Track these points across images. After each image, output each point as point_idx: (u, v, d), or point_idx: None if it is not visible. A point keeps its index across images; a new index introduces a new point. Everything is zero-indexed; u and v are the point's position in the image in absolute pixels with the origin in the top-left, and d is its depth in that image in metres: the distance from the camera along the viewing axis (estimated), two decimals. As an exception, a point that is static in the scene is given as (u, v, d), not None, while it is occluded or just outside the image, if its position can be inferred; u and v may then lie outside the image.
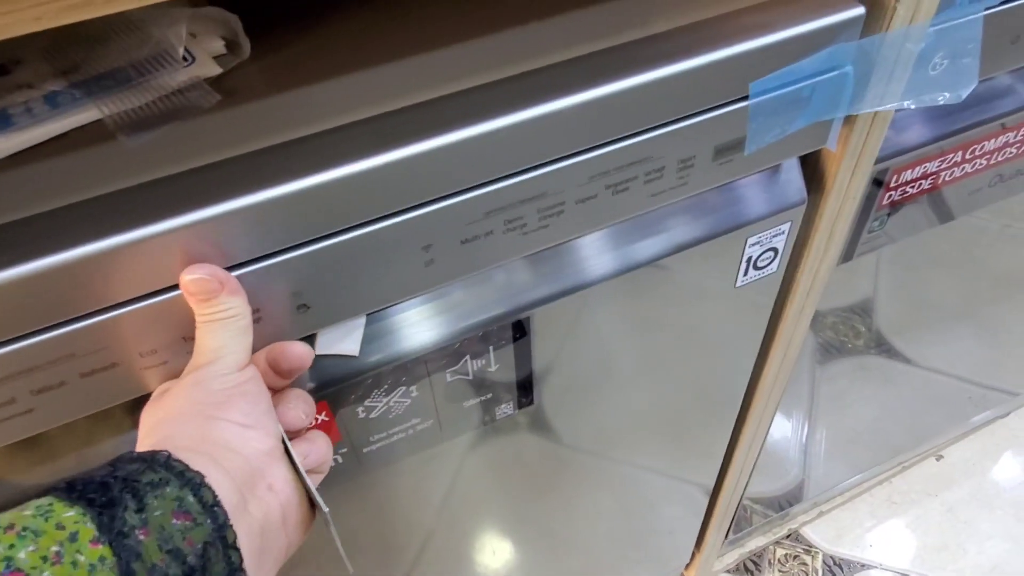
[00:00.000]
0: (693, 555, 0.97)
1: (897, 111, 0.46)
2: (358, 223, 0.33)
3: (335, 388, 0.39)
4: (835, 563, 1.07)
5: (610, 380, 0.53)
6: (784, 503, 1.03)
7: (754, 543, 1.05)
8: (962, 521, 1.10)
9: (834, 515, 1.11)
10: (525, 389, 0.47)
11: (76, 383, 0.31)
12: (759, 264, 0.50)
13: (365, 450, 0.44)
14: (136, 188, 0.30)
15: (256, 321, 0.33)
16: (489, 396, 0.46)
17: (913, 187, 0.54)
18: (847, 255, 0.57)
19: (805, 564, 1.07)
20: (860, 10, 0.38)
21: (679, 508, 0.81)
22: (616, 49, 0.36)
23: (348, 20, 0.39)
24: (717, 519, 0.88)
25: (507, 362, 0.44)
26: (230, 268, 0.31)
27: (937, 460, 1.17)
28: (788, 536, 1.09)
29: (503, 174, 0.35)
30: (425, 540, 0.59)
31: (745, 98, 0.38)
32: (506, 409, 0.48)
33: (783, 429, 0.89)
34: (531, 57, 0.35)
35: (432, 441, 0.47)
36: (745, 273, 0.50)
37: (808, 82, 0.39)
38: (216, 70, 0.37)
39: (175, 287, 0.31)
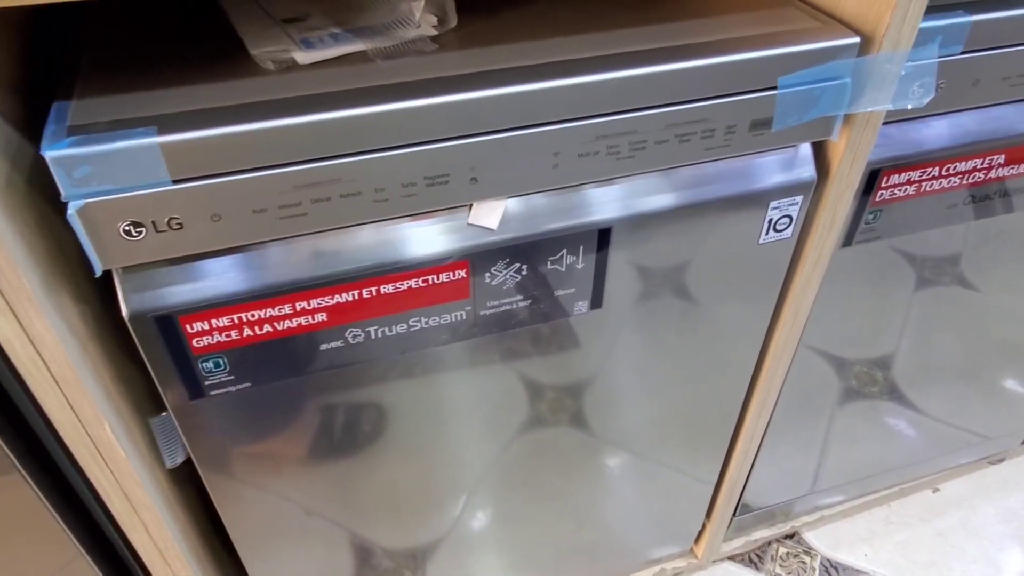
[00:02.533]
0: (701, 531, 1.11)
1: (892, 122, 0.65)
2: (516, 127, 0.53)
3: (476, 252, 0.58)
4: (831, 565, 1.19)
5: (644, 330, 0.70)
6: (789, 508, 1.17)
7: (759, 534, 1.18)
8: (950, 544, 1.21)
9: (834, 524, 1.24)
10: (598, 293, 0.65)
11: (336, 201, 0.51)
12: (778, 227, 0.68)
13: (482, 312, 0.62)
14: (373, 88, 0.50)
15: (443, 183, 0.52)
16: (573, 290, 0.64)
17: (900, 190, 0.72)
18: (847, 240, 0.75)
19: (804, 563, 1.19)
20: (856, 39, 0.57)
21: (688, 485, 0.96)
22: (690, 47, 0.56)
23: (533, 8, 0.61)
24: (723, 498, 1.03)
25: (590, 263, 0.63)
26: (435, 141, 0.51)
27: (933, 492, 1.30)
28: (790, 536, 1.22)
29: (609, 111, 0.54)
30: (467, 499, 0.76)
31: (776, 88, 0.57)
32: (581, 307, 0.66)
33: (796, 451, 1.04)
34: (636, 43, 0.56)
35: (523, 321, 0.65)
36: (767, 233, 0.68)
37: (819, 85, 0.58)
38: (432, 32, 0.57)
39: (411, 145, 0.50)
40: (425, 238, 0.57)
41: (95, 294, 0.60)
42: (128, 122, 0.46)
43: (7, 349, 0.49)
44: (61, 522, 0.60)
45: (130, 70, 0.53)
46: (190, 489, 0.78)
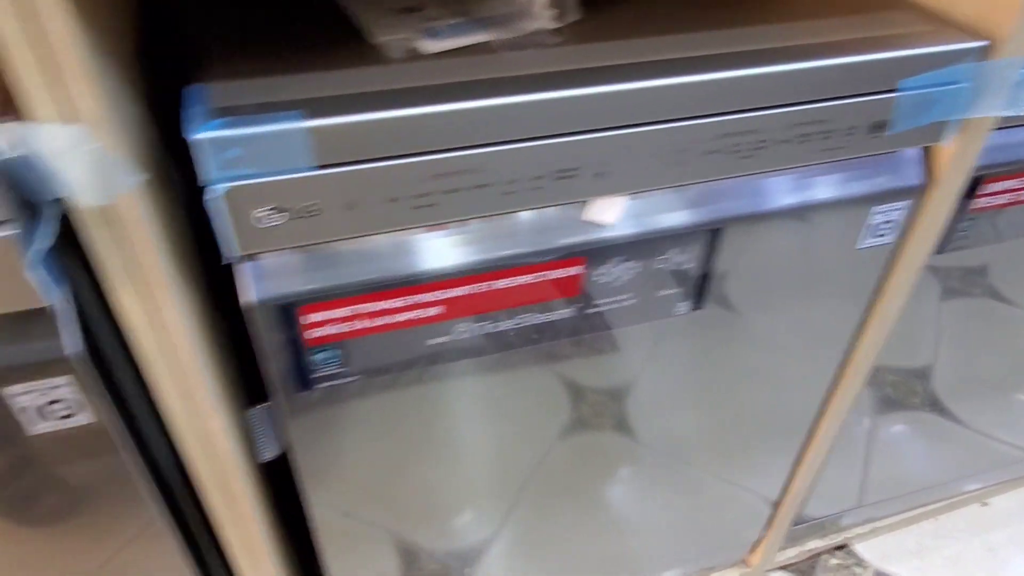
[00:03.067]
0: (757, 542, 1.10)
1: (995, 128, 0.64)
2: (648, 122, 0.52)
3: (591, 248, 0.57)
4: (882, 578, 1.18)
5: (744, 319, 0.70)
6: (838, 519, 1.16)
7: (811, 545, 1.17)
8: (1000, 559, 1.20)
9: (883, 537, 1.23)
10: (701, 294, 0.65)
11: (465, 192, 0.50)
12: (880, 232, 0.67)
13: (587, 311, 0.61)
14: (508, 79, 0.49)
15: (571, 177, 0.52)
16: (678, 291, 0.63)
17: (998, 198, 0.71)
18: (940, 247, 0.74)
19: (855, 574, 1.18)
20: (984, 43, 0.57)
21: (752, 496, 0.95)
22: (811, 47, 0.55)
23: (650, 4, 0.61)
24: (785, 510, 1.02)
25: (699, 263, 0.62)
26: (570, 134, 0.50)
27: (982, 506, 1.28)
28: (840, 547, 1.21)
29: (736, 109, 0.54)
30: (529, 499, 0.75)
31: (896, 91, 0.57)
32: (682, 308, 0.65)
33: (842, 463, 1.04)
34: (758, 42, 0.55)
35: (624, 321, 0.64)
36: (868, 237, 0.67)
37: (938, 89, 0.58)
38: (553, 25, 0.57)
39: (541, 137, 0.49)
40: (542, 233, 0.56)
41: (198, 282, 0.59)
42: (273, 105, 0.45)
43: (137, 335, 0.48)
44: (166, 517, 0.59)
45: (254, 55, 0.52)
46: (265, 486, 0.77)
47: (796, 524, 1.11)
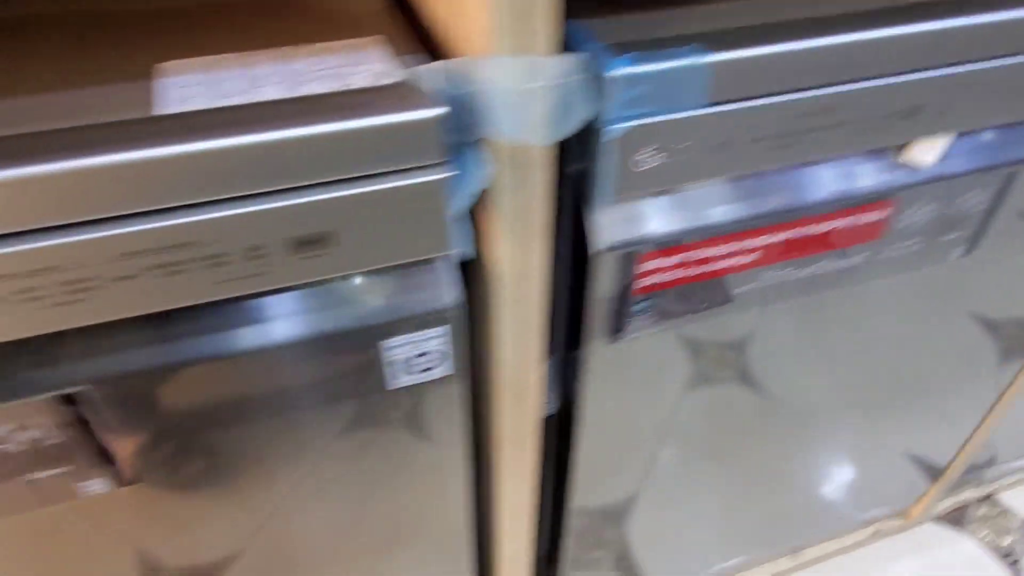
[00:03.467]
0: (918, 499, 1.10)
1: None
2: (991, 56, 0.50)
3: (901, 190, 0.56)
4: (1031, 526, 1.18)
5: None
6: (983, 472, 1.16)
7: (963, 496, 1.17)
8: None
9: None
10: (976, 239, 0.63)
11: (823, 131, 0.48)
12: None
13: (880, 255, 0.60)
14: (881, 10, 0.48)
15: (914, 116, 0.50)
16: (957, 235, 0.62)
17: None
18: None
19: (1002, 524, 1.19)
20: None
21: (929, 453, 0.95)
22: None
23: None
24: (957, 467, 1.02)
25: (984, 207, 0.60)
26: (920, 70, 0.48)
27: (1119, 455, 1.29)
28: (986, 498, 1.21)
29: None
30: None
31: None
32: (956, 253, 0.64)
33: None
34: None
35: (903, 266, 0.62)
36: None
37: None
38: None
39: (895, 74, 0.48)
40: (855, 177, 0.55)
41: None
42: (667, 41, 0.43)
43: (503, 284, 0.47)
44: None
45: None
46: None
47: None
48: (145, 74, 0.39)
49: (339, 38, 0.43)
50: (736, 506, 0.90)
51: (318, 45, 0.41)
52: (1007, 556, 1.15)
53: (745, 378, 0.69)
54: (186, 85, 0.37)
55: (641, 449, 0.71)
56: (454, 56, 0.41)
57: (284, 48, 0.41)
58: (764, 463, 0.83)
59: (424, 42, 0.44)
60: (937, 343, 0.78)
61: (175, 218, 0.35)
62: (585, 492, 0.72)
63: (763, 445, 0.80)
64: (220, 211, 0.36)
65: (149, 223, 0.35)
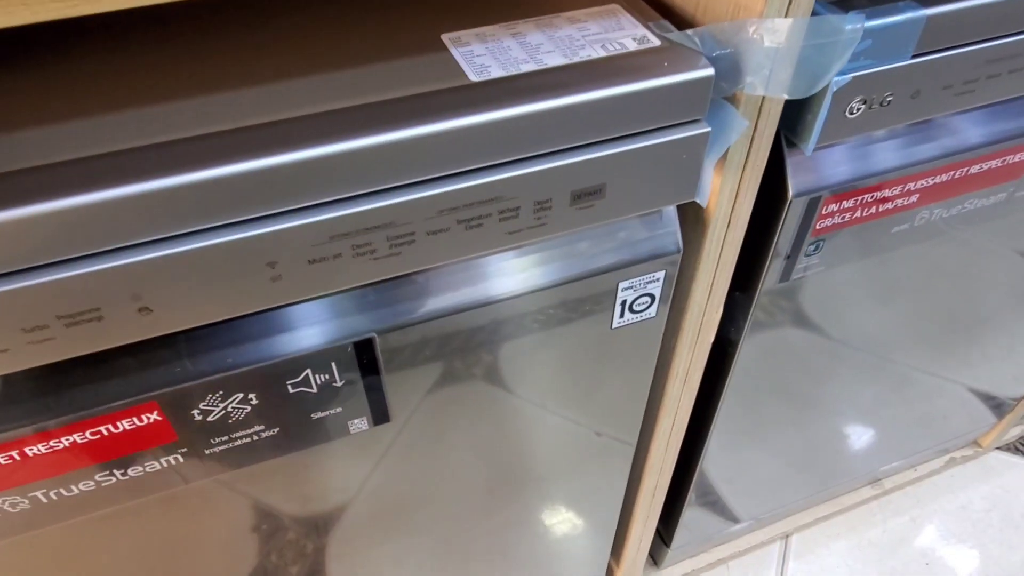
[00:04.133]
0: (990, 429, 1.17)
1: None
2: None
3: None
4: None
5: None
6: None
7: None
8: None
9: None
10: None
11: (1006, 76, 0.52)
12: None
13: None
14: None
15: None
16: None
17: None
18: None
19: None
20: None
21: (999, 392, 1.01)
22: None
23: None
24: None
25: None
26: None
27: None
28: (1048, 424, 1.28)
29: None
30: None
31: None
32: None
33: None
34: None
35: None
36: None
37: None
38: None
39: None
40: (1018, 117, 0.59)
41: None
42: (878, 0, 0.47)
43: (715, 225, 0.51)
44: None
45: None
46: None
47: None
48: (434, 46, 0.42)
49: (571, 8, 0.46)
50: (817, 443, 0.96)
51: (571, 14, 0.44)
52: (1070, 479, 1.22)
53: (832, 327, 0.73)
54: (478, 55, 0.41)
55: (767, 390, 0.76)
56: (700, 21, 0.45)
57: (541, 17, 0.44)
58: (843, 401, 0.89)
59: (656, 7, 0.48)
60: (1010, 284, 0.82)
61: (487, 176, 0.39)
62: (719, 436, 0.78)
63: (840, 386, 0.85)
64: (525, 168, 0.40)
65: (464, 182, 0.39)
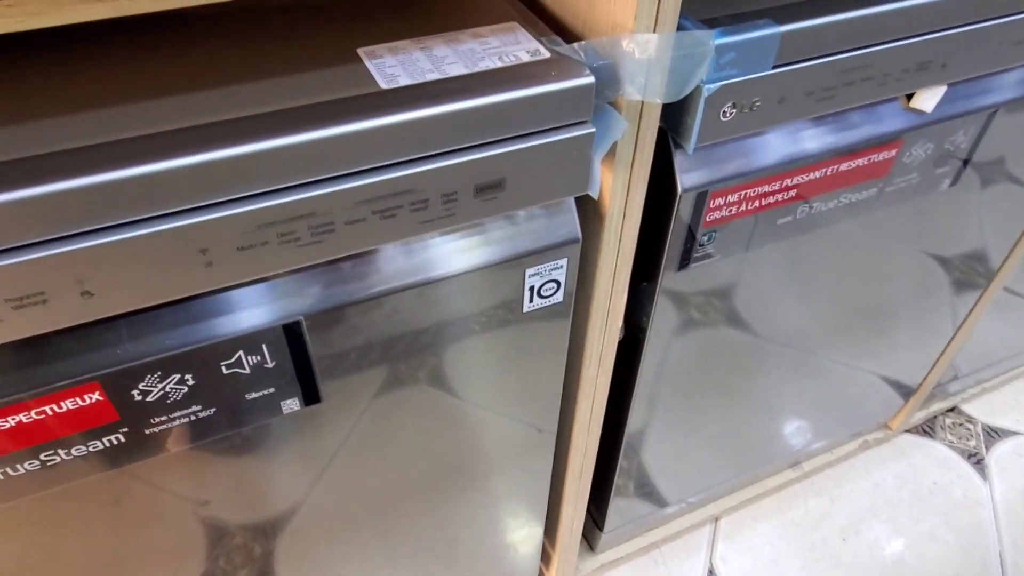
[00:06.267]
0: (896, 412, 1.26)
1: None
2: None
3: (909, 133, 0.68)
4: (991, 430, 1.36)
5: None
6: (947, 386, 1.33)
7: (933, 407, 1.34)
8: (1087, 404, 1.40)
9: (986, 397, 1.41)
10: (959, 176, 0.76)
11: (859, 85, 0.60)
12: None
13: (887, 189, 0.72)
14: None
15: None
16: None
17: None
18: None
19: (968, 430, 1.36)
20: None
21: (902, 378, 1.10)
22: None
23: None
24: (926, 386, 1.18)
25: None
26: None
27: (1060, 364, 1.48)
28: (951, 410, 1.39)
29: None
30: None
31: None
32: (944, 185, 0.77)
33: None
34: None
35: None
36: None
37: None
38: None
39: (910, 36, 0.59)
40: (875, 122, 0.67)
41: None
42: (742, 16, 0.54)
43: (609, 219, 0.58)
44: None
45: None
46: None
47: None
48: (350, 58, 0.47)
49: (476, 25, 0.52)
50: (741, 429, 1.03)
51: (475, 30, 0.50)
52: (972, 456, 1.32)
53: (740, 317, 0.81)
54: (389, 66, 0.46)
55: (685, 376, 0.83)
56: (585, 36, 0.51)
57: (449, 33, 0.50)
58: (764, 390, 0.96)
59: (548, 24, 0.54)
60: (905, 278, 0.91)
61: (398, 171, 0.45)
62: (637, 418, 0.84)
63: (760, 376, 0.93)
64: (431, 164, 0.45)
65: (376, 176, 0.44)
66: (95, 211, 0.38)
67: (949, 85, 0.68)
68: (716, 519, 1.20)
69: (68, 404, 0.46)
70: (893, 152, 0.70)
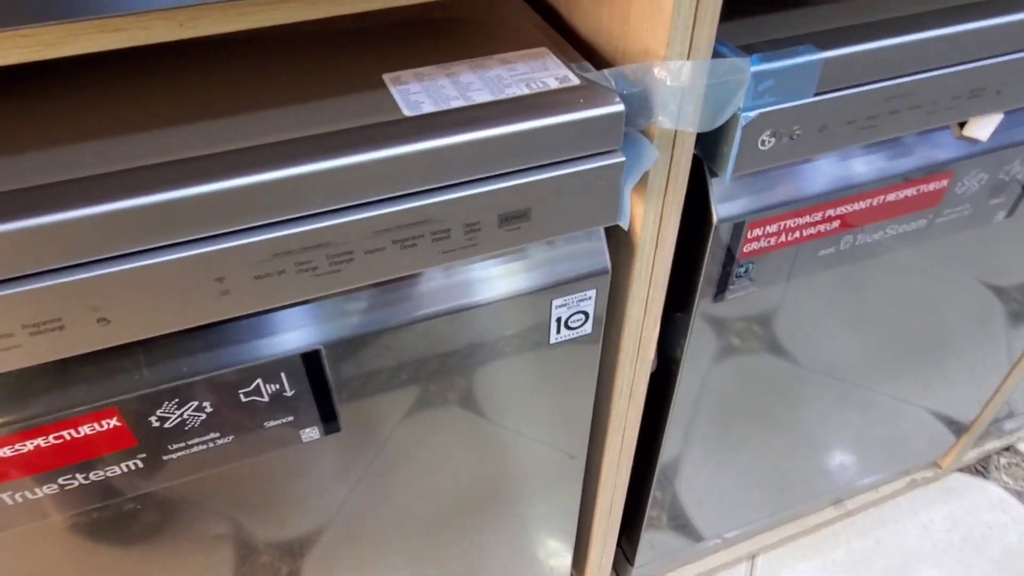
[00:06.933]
0: (948, 450, 1.20)
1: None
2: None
3: (961, 163, 0.64)
4: (1049, 472, 1.29)
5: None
6: (1003, 425, 1.27)
7: (987, 447, 1.27)
8: None
9: (1044, 436, 1.34)
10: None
11: (904, 112, 0.57)
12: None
13: (938, 220, 0.69)
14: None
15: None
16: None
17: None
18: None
19: (1021, 471, 1.29)
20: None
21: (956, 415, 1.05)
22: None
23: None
24: (979, 424, 1.12)
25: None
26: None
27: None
28: (1007, 448, 1.32)
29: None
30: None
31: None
32: (1000, 216, 0.73)
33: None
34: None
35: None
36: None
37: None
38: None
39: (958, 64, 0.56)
40: (925, 150, 0.64)
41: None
42: (782, 42, 0.52)
43: (642, 248, 0.56)
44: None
45: None
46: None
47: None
48: (375, 84, 0.47)
49: (505, 51, 0.51)
50: (781, 463, 0.99)
51: (503, 55, 0.49)
52: (1028, 499, 1.25)
53: (782, 345, 0.78)
54: (414, 92, 0.45)
55: (722, 406, 0.80)
56: (618, 62, 0.49)
57: (476, 59, 0.49)
58: (806, 422, 0.93)
59: (580, 49, 0.53)
60: (958, 307, 0.87)
61: (418, 200, 0.44)
62: (671, 449, 0.81)
63: (802, 407, 0.89)
64: (453, 193, 0.44)
65: (396, 206, 0.43)
66: (111, 239, 0.38)
67: (1006, 113, 0.65)
68: (753, 557, 1.16)
69: (86, 429, 0.45)
70: (944, 182, 0.66)
